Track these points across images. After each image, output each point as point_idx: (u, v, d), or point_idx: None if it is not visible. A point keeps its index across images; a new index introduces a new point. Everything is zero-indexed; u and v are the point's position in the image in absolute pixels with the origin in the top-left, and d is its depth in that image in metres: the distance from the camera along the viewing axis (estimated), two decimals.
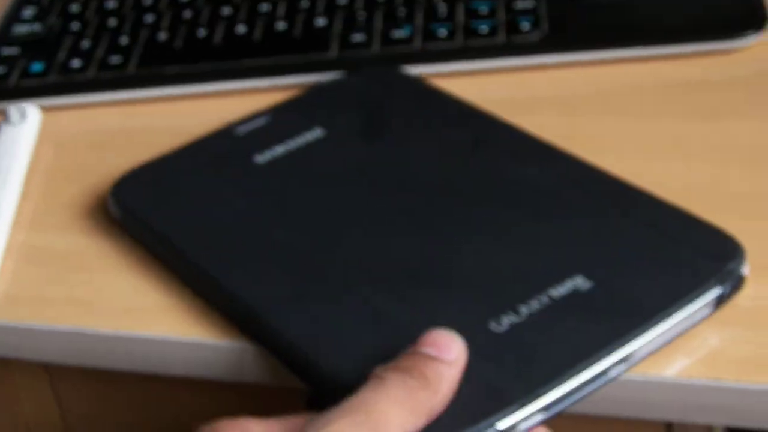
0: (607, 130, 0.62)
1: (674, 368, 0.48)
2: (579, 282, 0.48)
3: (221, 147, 0.61)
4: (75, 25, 0.74)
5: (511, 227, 0.52)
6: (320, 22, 0.71)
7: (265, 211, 0.56)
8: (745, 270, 0.49)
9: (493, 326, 0.47)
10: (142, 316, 0.54)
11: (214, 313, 0.53)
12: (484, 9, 0.69)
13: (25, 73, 0.71)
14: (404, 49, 0.68)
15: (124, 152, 0.64)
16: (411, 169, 0.57)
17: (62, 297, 0.56)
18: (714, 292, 0.47)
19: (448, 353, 0.44)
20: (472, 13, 0.69)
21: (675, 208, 0.52)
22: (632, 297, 0.47)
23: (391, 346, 0.45)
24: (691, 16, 0.67)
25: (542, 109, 0.64)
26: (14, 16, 0.76)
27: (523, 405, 0.43)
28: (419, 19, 0.70)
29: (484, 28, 0.68)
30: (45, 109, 0.69)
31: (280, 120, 0.63)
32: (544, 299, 0.48)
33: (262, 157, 0.60)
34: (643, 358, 0.46)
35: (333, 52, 0.69)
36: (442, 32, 0.68)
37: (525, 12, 0.69)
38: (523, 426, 0.43)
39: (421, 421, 0.42)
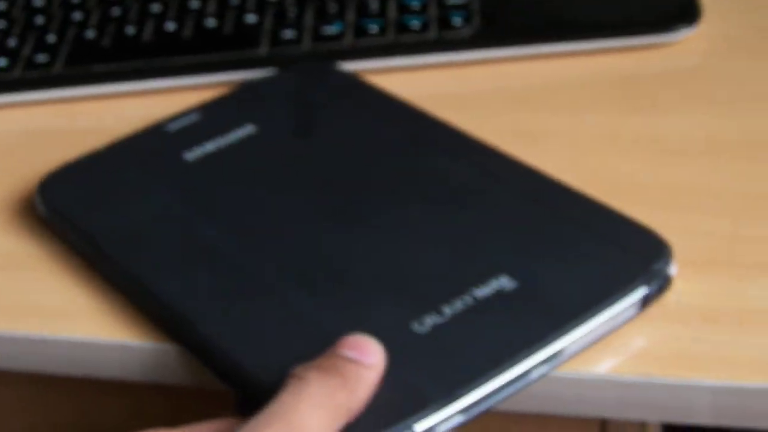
0: (539, 125, 0.61)
1: (604, 365, 0.47)
2: (504, 282, 0.48)
3: (150, 144, 0.61)
4: (1, 23, 0.73)
5: (437, 226, 0.52)
6: (251, 18, 0.70)
7: (193, 210, 0.55)
8: (672, 270, 0.48)
9: (416, 327, 0.46)
10: (68, 318, 0.53)
11: (141, 315, 0.53)
12: (415, 4, 0.69)
13: None
14: (335, 46, 0.68)
15: (51, 152, 0.63)
16: (339, 166, 0.57)
17: None
18: (640, 292, 0.47)
19: (367, 356, 0.44)
20: (403, 9, 0.69)
21: (603, 206, 0.52)
22: (557, 297, 0.47)
23: (315, 348, 0.45)
24: (625, 11, 0.67)
25: (474, 105, 0.63)
26: None
27: (441, 407, 0.43)
28: (350, 15, 0.69)
29: (415, 24, 0.68)
30: None
31: (211, 117, 0.62)
32: (468, 299, 0.47)
33: (191, 155, 0.59)
34: (568, 359, 0.46)
35: (264, 48, 0.68)
36: (374, 28, 0.68)
37: (457, 7, 0.68)
38: (442, 428, 0.43)
39: (340, 423, 0.42)
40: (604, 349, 0.47)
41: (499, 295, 0.47)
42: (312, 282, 0.50)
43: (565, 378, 0.47)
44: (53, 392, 0.60)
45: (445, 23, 0.67)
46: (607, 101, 0.63)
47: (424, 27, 0.67)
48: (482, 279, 0.48)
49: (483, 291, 0.47)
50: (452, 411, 0.43)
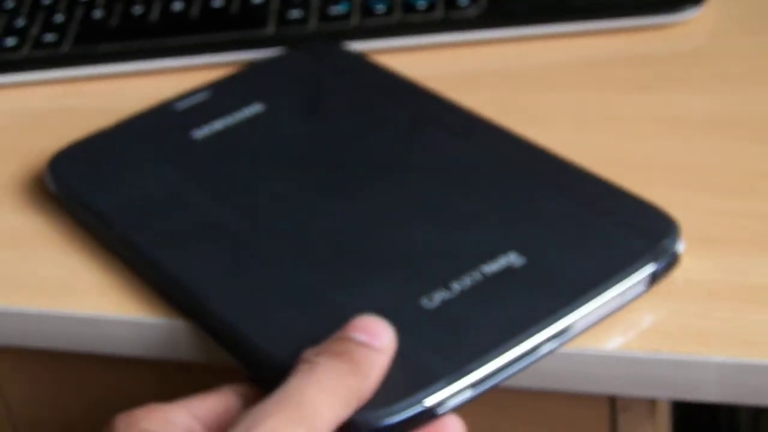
0: (545, 105, 0.62)
1: (613, 342, 0.48)
2: (512, 258, 0.48)
3: (159, 122, 0.61)
4: (9, 3, 0.73)
5: (446, 204, 0.52)
6: None
7: (202, 187, 0.56)
8: (680, 247, 0.49)
9: (425, 303, 0.46)
10: (79, 294, 0.54)
11: (150, 292, 0.53)
12: None
13: None
14: (342, 26, 0.68)
15: (59, 131, 0.63)
16: (348, 145, 0.57)
17: None
18: (648, 269, 0.47)
19: (378, 339, 0.44)
20: None
21: (611, 184, 0.52)
22: (565, 274, 0.47)
23: (324, 324, 0.45)
24: None
25: (480, 85, 0.64)
26: None
27: (451, 381, 0.43)
28: None
29: (422, 4, 0.68)
30: None
31: (220, 95, 0.62)
32: (477, 276, 0.47)
33: (200, 133, 0.59)
34: (576, 335, 0.46)
35: (270, 28, 0.68)
36: (380, 8, 0.68)
37: None
38: (452, 402, 0.43)
39: (351, 408, 0.42)
40: (612, 325, 0.48)
41: (508, 271, 0.47)
42: (321, 259, 0.50)
43: (573, 354, 0.47)
44: (80, 367, 0.60)
45: (451, 3, 0.67)
46: (613, 81, 0.63)
47: (431, 7, 0.67)
48: (491, 255, 0.48)
49: (492, 267, 0.48)
50: (462, 386, 0.43)
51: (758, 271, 0.49)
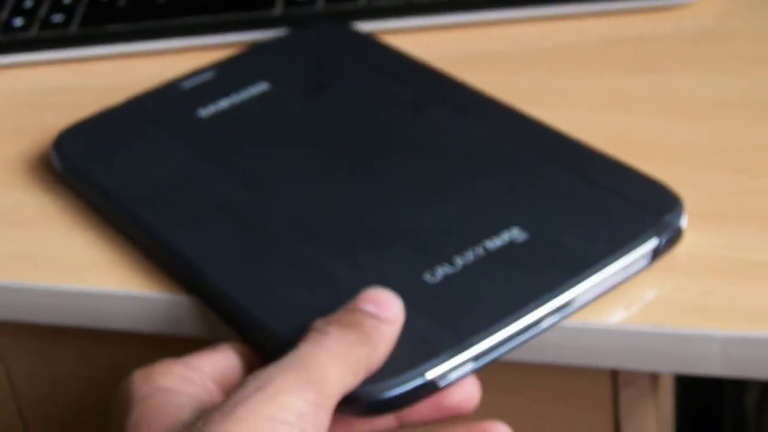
0: (552, 85, 0.62)
1: (615, 316, 0.48)
2: (515, 234, 0.48)
3: (165, 101, 0.61)
4: None
5: (450, 180, 0.52)
6: None
7: (207, 166, 0.56)
8: (683, 222, 0.49)
9: (428, 277, 0.46)
10: (84, 270, 0.54)
11: (155, 268, 0.53)
12: None
13: None
14: (349, 6, 0.68)
15: (66, 111, 0.63)
16: (353, 123, 0.57)
17: (4, 253, 0.56)
18: (651, 244, 0.47)
19: (387, 311, 0.44)
20: None
21: (614, 160, 0.52)
22: (568, 248, 0.47)
23: (329, 299, 0.45)
24: None
25: (487, 65, 0.64)
26: None
27: (452, 354, 0.43)
28: None
29: None
30: None
31: (226, 74, 0.63)
32: (480, 251, 0.47)
33: (205, 111, 0.59)
34: (579, 309, 0.46)
35: (278, 8, 0.68)
36: None
37: None
38: (453, 375, 0.43)
39: (359, 378, 0.42)
40: (614, 299, 0.48)
41: (511, 246, 0.48)
42: (325, 235, 0.50)
43: (575, 328, 0.47)
44: (85, 344, 0.60)
45: None
46: (619, 62, 0.63)
47: None
48: (494, 231, 0.48)
49: (494, 242, 0.48)
50: (464, 359, 0.43)
51: (762, 247, 0.49)
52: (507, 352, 0.45)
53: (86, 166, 0.57)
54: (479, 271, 0.47)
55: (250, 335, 0.48)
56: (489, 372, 0.45)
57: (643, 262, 0.47)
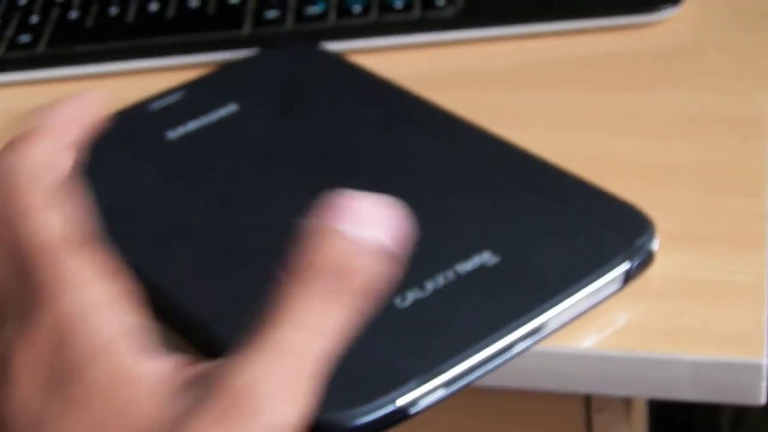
0: (522, 104, 0.61)
1: (587, 341, 0.47)
2: (486, 257, 0.48)
3: (133, 122, 0.60)
4: None
5: (420, 202, 0.51)
6: None
7: (175, 188, 0.55)
8: (655, 245, 0.48)
9: (398, 302, 0.46)
10: None
11: None
12: None
13: None
14: (319, 26, 0.67)
15: None
16: (322, 145, 0.57)
17: None
18: (622, 268, 0.47)
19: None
20: None
21: (585, 182, 0.52)
22: (539, 272, 0.47)
23: None
24: None
25: (457, 85, 0.63)
26: None
27: (423, 381, 0.43)
28: None
29: (398, 4, 0.67)
30: None
31: (194, 95, 0.62)
32: (450, 275, 0.47)
33: (174, 133, 0.59)
34: (551, 333, 0.46)
35: (246, 29, 0.68)
36: (357, 8, 0.68)
37: None
38: (424, 402, 0.43)
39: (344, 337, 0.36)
40: (586, 324, 0.47)
41: (482, 270, 0.47)
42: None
43: (547, 353, 0.47)
44: None
45: (428, 3, 0.67)
46: (589, 80, 0.63)
47: (407, 7, 0.67)
48: (464, 254, 0.48)
49: (465, 266, 0.47)
50: (434, 385, 0.43)
51: (734, 268, 0.49)
52: (478, 378, 0.44)
53: None
54: (450, 296, 0.46)
55: (213, 353, 0.47)
56: (461, 397, 0.44)
57: (615, 286, 0.47)
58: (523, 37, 0.66)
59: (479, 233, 0.49)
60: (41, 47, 0.69)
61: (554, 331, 0.46)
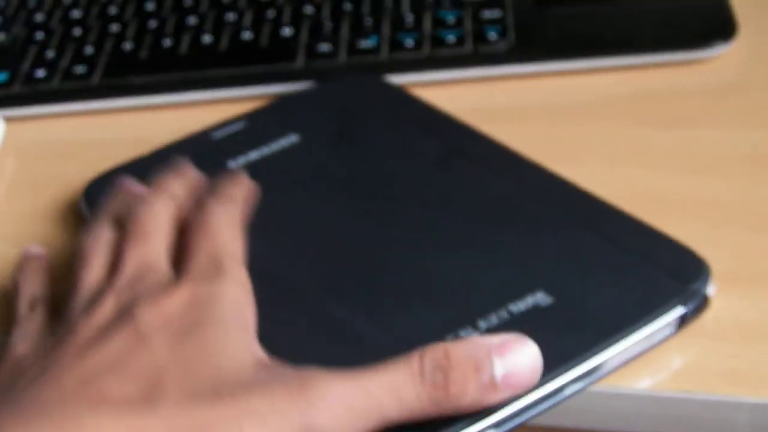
0: (575, 140, 0.61)
1: (642, 383, 0.47)
2: (540, 297, 0.48)
3: (195, 151, 0.61)
4: (39, 35, 0.74)
5: (476, 240, 0.52)
6: (287, 31, 0.70)
7: None
8: (711, 290, 0.48)
9: (450, 340, 0.46)
10: None
11: None
12: (451, 19, 0.69)
13: None
14: (371, 59, 0.68)
15: (88, 163, 0.63)
16: (380, 177, 0.57)
17: None
18: (677, 312, 0.47)
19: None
20: (439, 23, 0.69)
21: (642, 223, 0.51)
22: (593, 315, 0.47)
23: (348, 356, 0.45)
24: (660, 26, 0.67)
25: (509, 120, 0.63)
26: None
27: (474, 421, 0.43)
28: (386, 28, 0.69)
29: (451, 38, 0.68)
30: (8, 120, 0.69)
31: (256, 125, 0.63)
32: (504, 314, 0.47)
33: (235, 163, 0.59)
34: (602, 377, 0.46)
35: (299, 62, 0.68)
36: (409, 42, 0.68)
37: (492, 22, 0.68)
38: None
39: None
40: (641, 366, 0.47)
41: (535, 310, 0.47)
42: (349, 291, 0.50)
43: (602, 393, 0.47)
44: None
45: (480, 37, 0.67)
46: (641, 116, 0.62)
47: (459, 41, 0.67)
48: (518, 294, 0.48)
49: (519, 306, 0.47)
50: (484, 425, 0.43)
51: None
52: (528, 420, 0.44)
53: None
54: None
55: None
56: None
57: (669, 330, 0.47)
58: (575, 72, 0.66)
59: (534, 272, 0.49)
60: (96, 78, 0.70)
61: (607, 374, 0.46)
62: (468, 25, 0.68)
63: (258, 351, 0.45)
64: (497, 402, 0.43)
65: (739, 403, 0.46)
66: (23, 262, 0.54)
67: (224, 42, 0.71)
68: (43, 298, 0.52)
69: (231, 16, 0.72)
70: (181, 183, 0.54)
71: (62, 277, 0.52)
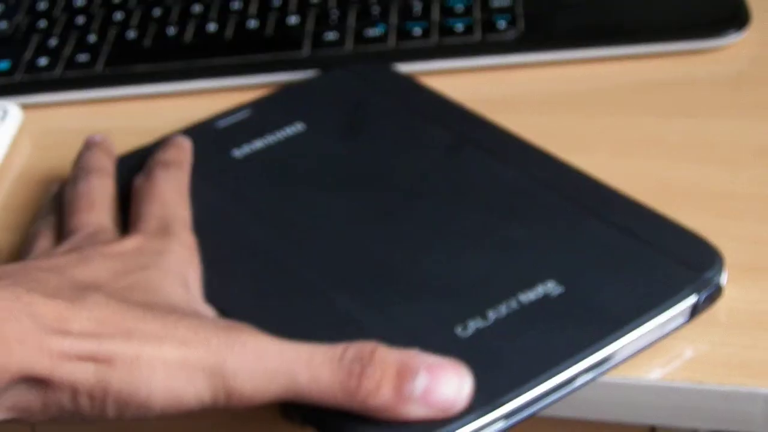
0: (585, 129, 0.61)
1: (655, 372, 0.47)
2: (550, 287, 0.47)
3: (200, 139, 0.60)
4: (42, 23, 0.73)
5: (485, 228, 0.51)
6: (293, 20, 0.70)
7: (240, 206, 0.55)
8: (723, 279, 0.47)
9: (459, 331, 0.45)
10: None
11: None
12: (459, 7, 0.68)
13: None
14: (378, 48, 0.67)
15: None
16: (388, 167, 0.56)
17: None
18: (689, 301, 0.46)
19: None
20: (447, 11, 0.68)
21: (654, 213, 0.50)
22: (604, 304, 0.46)
23: None
24: (672, 15, 0.66)
25: (518, 109, 0.62)
26: None
27: (482, 413, 0.42)
28: (394, 17, 0.68)
29: (459, 27, 0.67)
30: None
31: (261, 114, 0.62)
32: (513, 304, 0.46)
33: (239, 152, 0.59)
34: (614, 366, 0.45)
35: (305, 50, 0.67)
36: (417, 30, 0.67)
37: (501, 10, 0.67)
38: None
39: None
40: (653, 356, 0.46)
41: (546, 300, 0.46)
42: (355, 282, 0.49)
43: (613, 383, 0.46)
44: None
45: (489, 26, 0.67)
46: (654, 106, 0.62)
47: (468, 30, 0.67)
48: (528, 284, 0.47)
49: (529, 296, 0.46)
50: (494, 417, 0.42)
51: None
52: (539, 411, 0.43)
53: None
54: (512, 326, 0.45)
55: None
56: (524, 426, 0.43)
57: (682, 319, 0.46)
58: (585, 61, 0.65)
59: (544, 262, 0.48)
60: (99, 67, 0.69)
61: (618, 364, 0.45)
62: (477, 13, 0.67)
63: (198, 306, 0.48)
64: (413, 417, 0.42)
65: (753, 394, 0.45)
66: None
67: (229, 30, 0.70)
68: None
69: (236, 4, 0.72)
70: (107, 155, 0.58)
71: None
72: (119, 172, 0.58)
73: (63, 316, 0.42)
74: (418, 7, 0.69)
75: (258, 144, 0.59)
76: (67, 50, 0.70)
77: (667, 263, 0.47)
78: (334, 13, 0.69)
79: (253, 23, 0.70)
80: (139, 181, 0.54)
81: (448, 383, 0.42)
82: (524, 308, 0.46)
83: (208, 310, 0.48)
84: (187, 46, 0.69)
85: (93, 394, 0.42)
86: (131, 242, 0.49)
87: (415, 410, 0.42)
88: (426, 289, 0.48)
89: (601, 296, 0.46)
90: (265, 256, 0.51)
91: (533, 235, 0.50)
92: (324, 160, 0.57)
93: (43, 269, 0.45)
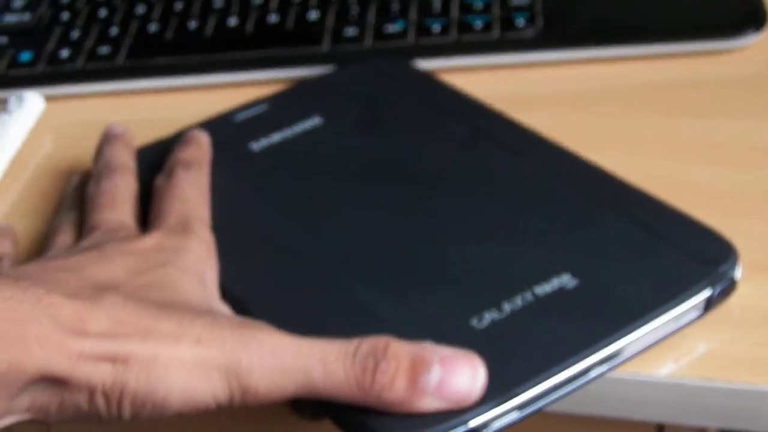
0: (601, 127, 0.61)
1: (665, 368, 0.47)
2: (565, 280, 0.47)
3: (217, 133, 0.60)
4: (65, 15, 0.74)
5: (502, 222, 0.51)
6: (313, 15, 0.70)
7: (255, 199, 0.55)
8: (738, 273, 0.47)
9: (474, 322, 0.46)
10: None
11: None
12: (478, 4, 0.68)
13: (14, 63, 0.70)
14: (397, 44, 0.67)
15: None
16: (405, 161, 0.56)
17: None
18: (703, 295, 0.46)
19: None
20: (466, 9, 0.68)
21: (669, 207, 0.51)
22: (618, 297, 0.46)
23: None
24: (690, 15, 0.67)
25: (535, 106, 0.63)
26: (4, 5, 0.76)
27: (496, 403, 0.42)
28: (413, 13, 0.69)
29: (478, 24, 0.67)
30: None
31: (279, 107, 0.62)
32: (528, 296, 0.47)
33: (257, 145, 0.59)
34: (628, 359, 0.45)
35: (325, 45, 0.68)
36: (436, 27, 0.67)
37: (520, 8, 0.68)
38: (497, 424, 0.42)
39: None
40: (665, 351, 0.47)
41: (560, 292, 0.47)
42: (372, 273, 0.49)
43: (623, 380, 0.46)
44: None
45: (508, 24, 0.67)
46: (668, 105, 0.62)
47: (487, 27, 0.67)
48: (543, 276, 0.47)
49: (544, 288, 0.47)
50: (508, 407, 0.43)
51: None
52: (553, 402, 0.44)
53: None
54: (527, 318, 0.46)
55: None
56: (533, 422, 0.44)
57: (695, 313, 0.46)
58: (603, 60, 0.66)
59: (559, 255, 0.48)
60: (120, 59, 0.69)
61: (632, 356, 0.45)
62: (496, 10, 0.68)
63: (214, 303, 0.48)
64: (427, 409, 0.42)
65: (763, 393, 0.45)
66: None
67: (250, 25, 0.70)
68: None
69: None
70: (128, 151, 0.59)
71: None
72: (138, 165, 0.58)
73: (82, 317, 0.42)
74: (437, 4, 0.69)
75: (275, 137, 0.59)
76: (89, 42, 0.71)
77: (682, 257, 0.48)
78: (354, 9, 0.70)
79: (273, 18, 0.70)
80: (160, 180, 0.55)
81: (462, 375, 0.42)
82: (539, 300, 0.46)
83: (224, 308, 0.48)
84: (208, 40, 0.70)
85: (110, 394, 0.42)
86: (151, 239, 0.50)
87: (430, 403, 0.42)
88: (442, 281, 0.48)
89: (615, 289, 0.46)
90: (283, 248, 0.52)
91: (549, 228, 0.50)
92: (341, 153, 0.58)
93: (63, 269, 0.46)
